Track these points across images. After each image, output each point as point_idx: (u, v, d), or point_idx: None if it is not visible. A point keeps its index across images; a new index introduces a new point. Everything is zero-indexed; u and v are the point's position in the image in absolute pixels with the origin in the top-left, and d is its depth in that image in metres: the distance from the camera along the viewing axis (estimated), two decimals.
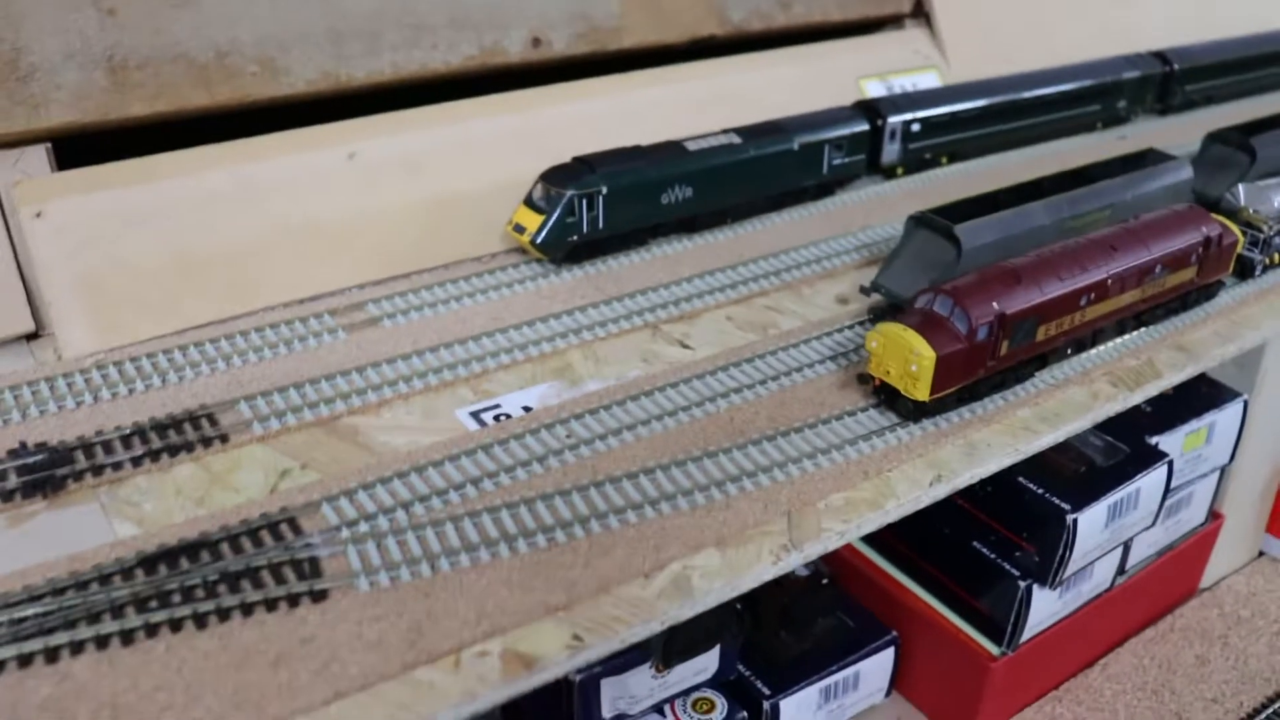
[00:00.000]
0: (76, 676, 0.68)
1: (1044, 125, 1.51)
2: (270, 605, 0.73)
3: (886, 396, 0.94)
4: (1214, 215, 1.11)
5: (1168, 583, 1.35)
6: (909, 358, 0.89)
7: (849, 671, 1.17)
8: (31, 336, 1.02)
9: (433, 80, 1.20)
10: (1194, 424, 1.23)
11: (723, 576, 0.78)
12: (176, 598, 0.73)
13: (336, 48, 1.14)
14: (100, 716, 0.65)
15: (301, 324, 1.04)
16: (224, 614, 0.72)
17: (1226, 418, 1.26)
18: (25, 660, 0.68)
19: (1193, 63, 1.66)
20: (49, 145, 1.05)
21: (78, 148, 1.06)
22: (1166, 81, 1.64)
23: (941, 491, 0.89)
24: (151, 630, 0.71)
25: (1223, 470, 1.32)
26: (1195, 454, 1.25)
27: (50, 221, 1.01)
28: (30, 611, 0.71)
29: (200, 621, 0.72)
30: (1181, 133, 1.60)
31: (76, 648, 0.69)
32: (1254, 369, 1.27)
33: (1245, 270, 1.19)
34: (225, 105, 1.10)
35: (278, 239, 1.09)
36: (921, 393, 0.90)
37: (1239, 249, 1.14)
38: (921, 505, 0.88)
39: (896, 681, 1.23)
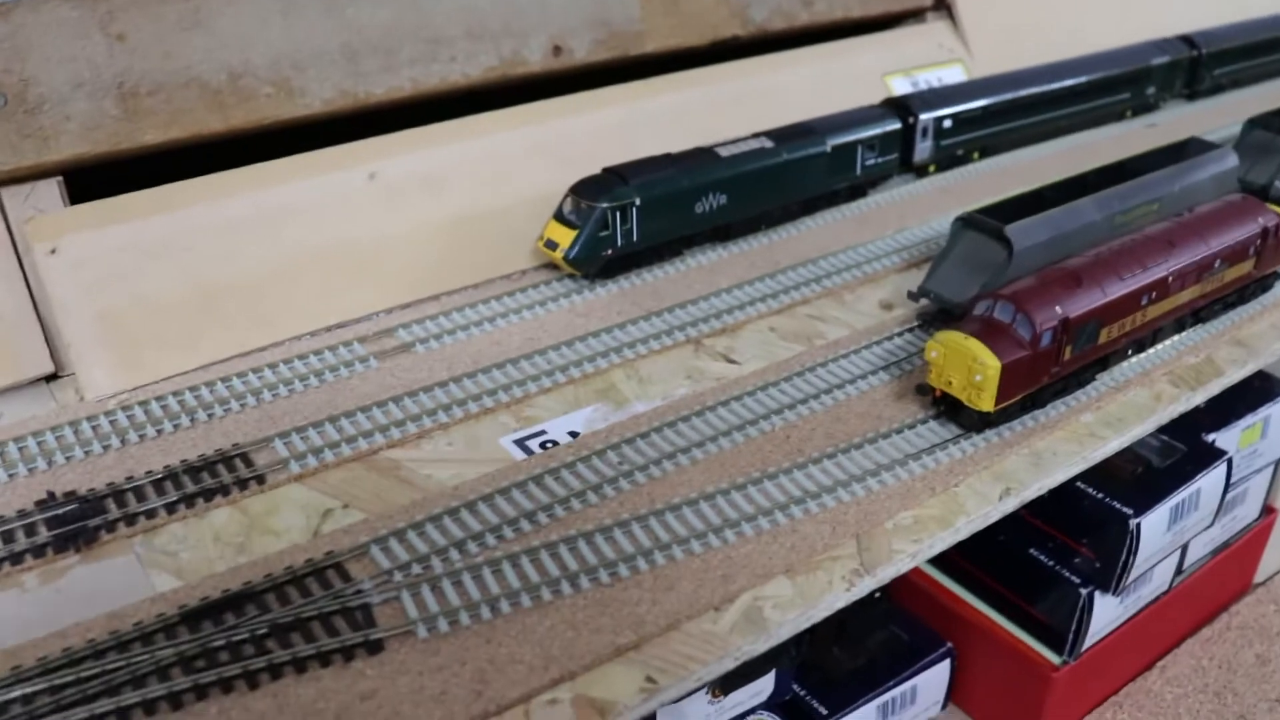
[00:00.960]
0: None
1: (1074, 116, 1.47)
2: (324, 659, 0.69)
3: (948, 407, 0.90)
4: (1269, 205, 1.08)
5: (1223, 580, 1.32)
6: (973, 367, 0.85)
7: (905, 686, 1.13)
8: (51, 378, 0.98)
9: (453, 94, 1.16)
10: (1249, 419, 1.19)
11: (796, 606, 0.74)
12: (225, 655, 0.70)
13: (353, 65, 1.10)
14: None
15: (331, 353, 1.00)
16: (276, 671, 0.69)
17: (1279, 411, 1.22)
18: None
19: (1220, 46, 1.62)
20: (60, 179, 1.01)
21: (90, 180, 1.02)
22: (1194, 66, 1.61)
23: (1011, 505, 0.85)
24: (201, 692, 0.67)
25: (1277, 464, 1.29)
26: (1251, 449, 1.21)
27: (65, 258, 0.97)
28: (71, 677, 0.67)
29: (252, 680, 0.68)
30: (1212, 118, 1.57)
31: (123, 715, 0.65)
32: None
33: None
34: (241, 129, 1.06)
35: (301, 265, 1.05)
36: (987, 403, 0.86)
37: None
38: (991, 520, 0.84)
39: (953, 694, 1.19)
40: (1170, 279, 0.95)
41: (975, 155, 1.38)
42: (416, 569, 0.76)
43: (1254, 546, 1.33)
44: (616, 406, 0.93)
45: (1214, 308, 1.05)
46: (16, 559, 0.77)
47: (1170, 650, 1.28)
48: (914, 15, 1.50)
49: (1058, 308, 0.88)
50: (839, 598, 0.76)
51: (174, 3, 1.02)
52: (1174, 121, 1.56)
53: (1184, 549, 1.18)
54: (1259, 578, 1.38)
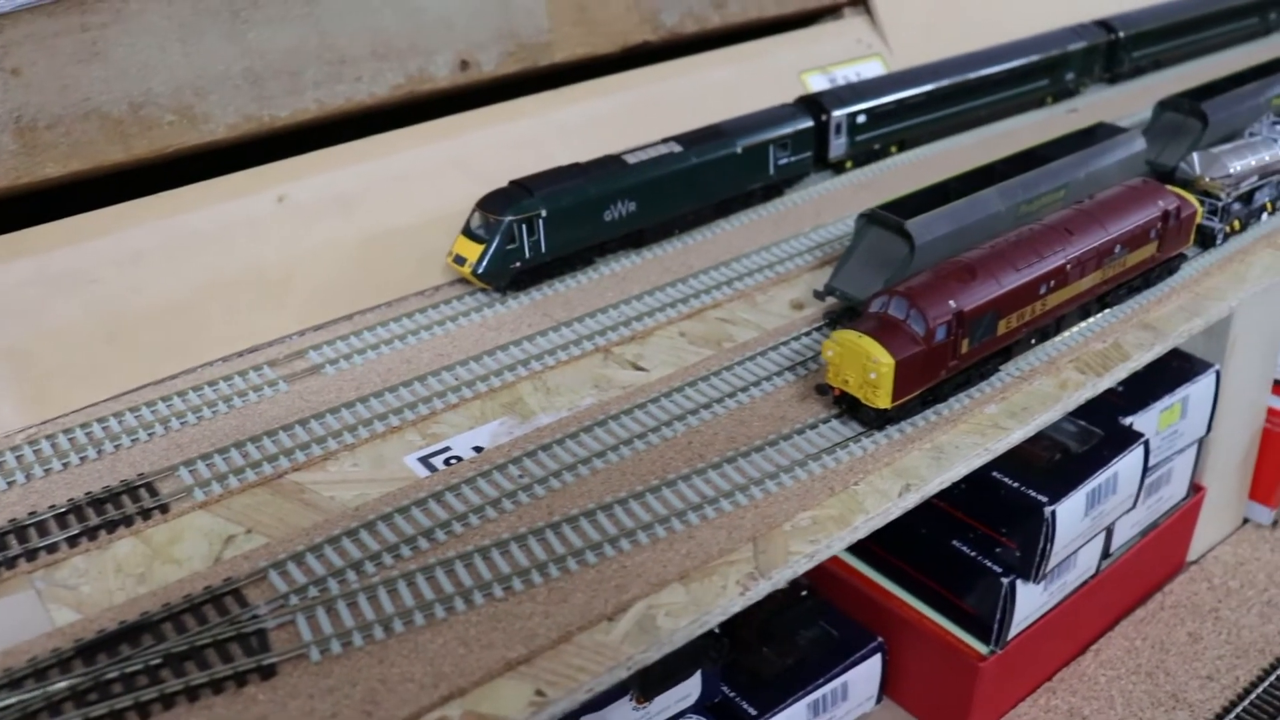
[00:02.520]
0: None
1: (993, 105, 1.48)
2: (217, 687, 0.70)
3: (848, 406, 0.91)
4: (1170, 187, 1.09)
5: (1154, 560, 1.33)
6: (867, 365, 0.86)
7: (836, 683, 1.14)
8: None
9: (360, 113, 1.16)
10: (1167, 400, 1.20)
11: (689, 613, 0.75)
12: (118, 687, 0.70)
13: (256, 89, 1.10)
14: None
15: (241, 378, 1.00)
16: (169, 701, 0.69)
17: (1200, 390, 1.23)
18: None
19: (1137, 28, 1.64)
20: None
21: None
22: (1113, 49, 1.62)
23: (911, 501, 0.86)
24: None
25: (1201, 442, 1.30)
26: (1171, 430, 1.22)
27: None
28: None
29: (144, 711, 0.68)
30: (1132, 101, 1.58)
31: None
32: (1223, 338, 1.25)
33: (1206, 240, 1.17)
34: (144, 158, 1.06)
35: (211, 292, 1.05)
36: (883, 400, 0.87)
37: (1198, 219, 1.11)
38: (892, 517, 0.85)
39: (887, 687, 1.20)
40: (1068, 267, 0.96)
41: (893, 149, 1.39)
42: (313, 592, 0.76)
43: (1184, 525, 1.34)
44: (522, 419, 0.94)
45: (1119, 292, 1.06)
46: None
47: (1104, 633, 1.29)
48: (831, 12, 1.50)
49: (951, 301, 0.88)
50: (734, 602, 0.76)
51: (69, 35, 1.02)
52: (1094, 106, 1.57)
53: (1109, 532, 1.19)
54: (1191, 556, 1.40)
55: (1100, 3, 1.67)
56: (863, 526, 0.83)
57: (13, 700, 0.69)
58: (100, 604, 0.77)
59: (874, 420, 0.89)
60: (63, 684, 0.70)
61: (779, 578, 0.78)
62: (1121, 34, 1.61)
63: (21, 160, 1.01)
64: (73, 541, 0.82)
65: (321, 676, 0.70)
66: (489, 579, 0.76)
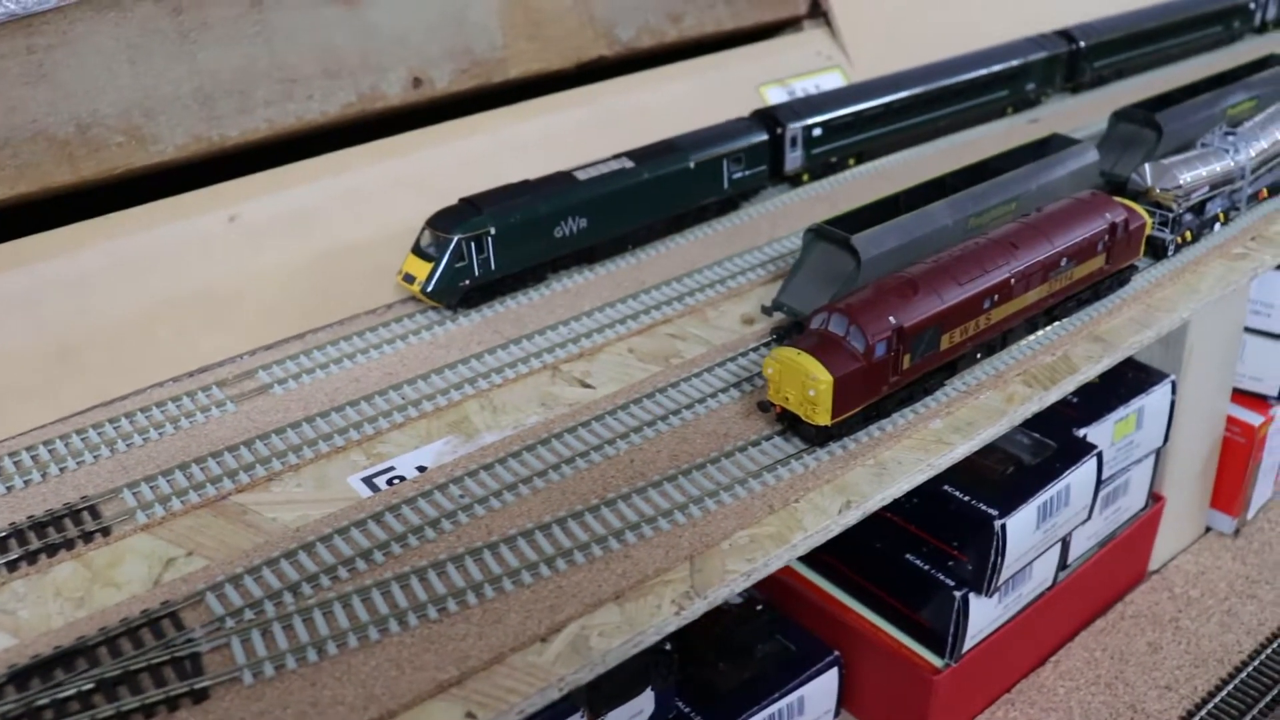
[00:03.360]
0: None
1: (953, 116, 1.49)
2: (149, 711, 0.70)
3: (789, 423, 0.91)
4: (1119, 199, 1.09)
5: (1114, 571, 1.33)
6: (806, 382, 0.86)
7: (793, 697, 1.13)
8: None
9: (312, 132, 1.16)
10: (1122, 411, 1.21)
11: (622, 633, 0.75)
12: (49, 714, 0.70)
13: (206, 109, 1.10)
14: None
15: (190, 399, 1.00)
16: None
17: (1155, 400, 1.24)
18: None
19: (1099, 38, 1.64)
20: None
21: None
22: (1074, 59, 1.63)
23: (852, 518, 0.86)
24: None
25: (1158, 453, 1.30)
26: (1127, 441, 1.23)
27: None
28: None
29: None
30: (1094, 110, 1.59)
31: None
32: (1179, 348, 1.25)
33: (1158, 252, 1.17)
34: (93, 179, 1.07)
35: (160, 313, 1.05)
36: (822, 417, 0.87)
37: (1148, 231, 1.12)
38: (832, 535, 0.85)
39: (844, 701, 1.20)
40: (1013, 281, 0.97)
41: (851, 161, 1.40)
42: (249, 614, 0.76)
43: (1144, 535, 1.35)
44: (467, 438, 0.94)
45: (1068, 305, 1.06)
46: None
47: (1064, 644, 1.29)
48: (790, 24, 1.51)
49: (891, 317, 0.89)
50: (668, 622, 0.76)
51: (15, 56, 1.02)
52: (1056, 116, 1.58)
53: (1065, 543, 1.19)
54: (1153, 565, 1.40)
55: (1063, 13, 1.67)
56: (801, 544, 0.83)
57: None
58: (38, 629, 0.77)
59: (815, 437, 0.89)
60: None
61: (715, 597, 0.78)
62: (1083, 44, 1.62)
63: None
64: (12, 566, 0.82)
65: (253, 700, 0.70)
66: (424, 600, 0.76)
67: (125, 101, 1.07)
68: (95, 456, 0.94)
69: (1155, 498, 1.34)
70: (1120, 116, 1.32)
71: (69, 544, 0.84)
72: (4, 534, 0.85)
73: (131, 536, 0.85)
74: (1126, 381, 1.24)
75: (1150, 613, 1.34)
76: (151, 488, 0.89)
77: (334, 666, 0.72)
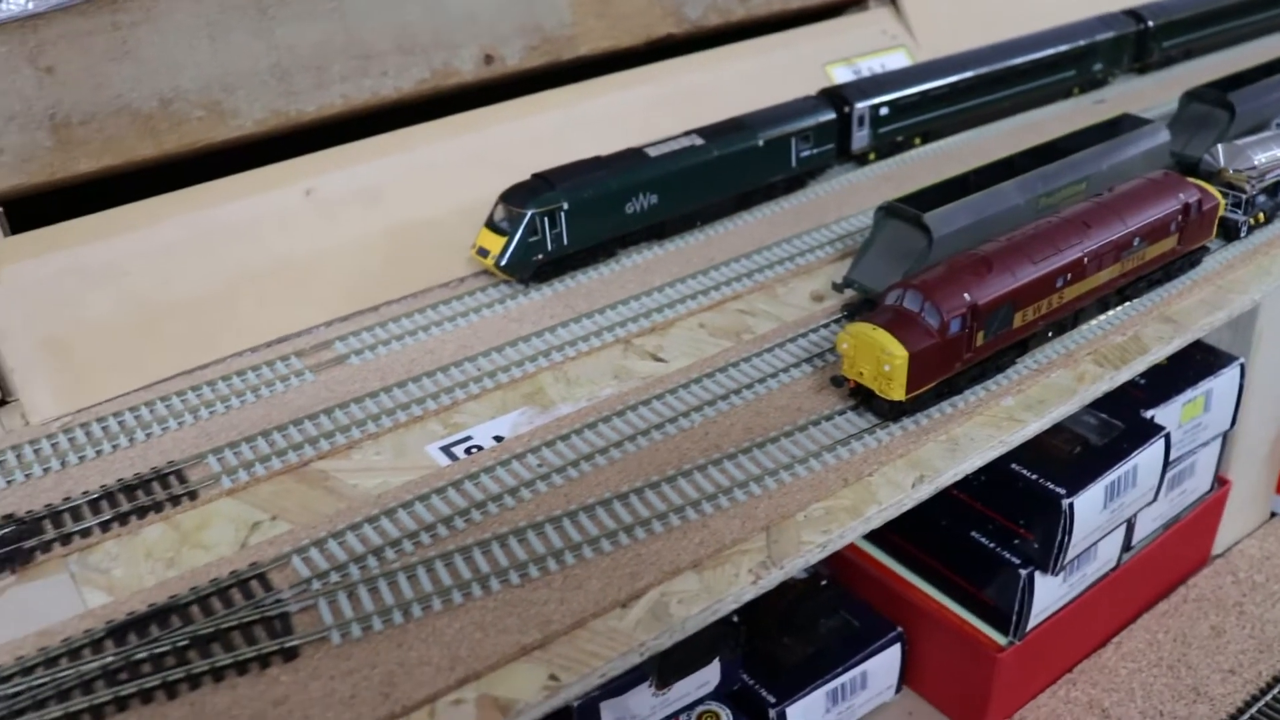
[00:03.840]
0: None
1: (1018, 96, 1.48)
2: (241, 668, 0.72)
3: (863, 398, 0.92)
4: (1192, 180, 1.09)
5: (1178, 554, 1.33)
6: (881, 358, 0.87)
7: (855, 672, 1.15)
8: None
9: (386, 108, 1.18)
10: (1190, 393, 1.20)
11: (701, 600, 0.76)
12: (146, 667, 0.72)
13: (284, 84, 1.12)
14: None
15: (269, 368, 1.02)
16: (195, 681, 0.71)
17: (1224, 383, 1.23)
18: None
19: (1167, 18, 1.63)
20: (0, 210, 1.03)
21: (28, 210, 1.05)
22: (1142, 39, 1.61)
23: (925, 492, 0.87)
24: (122, 704, 0.70)
25: (1225, 436, 1.29)
26: (1194, 423, 1.22)
27: (7, 287, 1.00)
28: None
29: (171, 691, 0.70)
30: (1162, 91, 1.57)
31: None
32: (1249, 331, 1.25)
33: (1230, 233, 1.17)
34: (174, 153, 1.09)
35: (239, 284, 1.07)
36: (897, 393, 0.87)
37: (1221, 212, 1.11)
38: (905, 509, 0.86)
39: (906, 677, 1.21)
40: (1086, 260, 0.97)
41: (917, 141, 1.39)
42: (335, 577, 0.78)
43: (1208, 518, 1.34)
44: (542, 409, 0.95)
45: (1139, 285, 1.06)
46: None
47: (1126, 625, 1.29)
48: (856, 3, 1.51)
49: (966, 294, 0.89)
50: (745, 590, 0.78)
51: (101, 34, 1.04)
52: (1122, 96, 1.57)
53: (1130, 525, 1.19)
54: (1216, 549, 1.39)
55: None
56: (875, 517, 0.84)
57: (47, 678, 0.71)
58: (131, 587, 0.79)
59: (888, 412, 0.90)
60: (94, 664, 0.72)
61: (791, 567, 0.79)
62: (1151, 23, 1.61)
63: (56, 156, 1.04)
64: (105, 527, 0.85)
65: (342, 659, 0.72)
66: (506, 566, 0.78)
67: (205, 77, 1.09)
68: (179, 423, 0.96)
69: (1221, 481, 1.33)
70: (1192, 96, 1.31)
71: (158, 506, 0.87)
72: (96, 496, 0.87)
73: (217, 501, 0.87)
74: (1195, 364, 1.23)
75: (1214, 596, 1.34)
76: (235, 453, 0.91)
77: (419, 629, 0.74)
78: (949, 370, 0.90)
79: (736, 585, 0.77)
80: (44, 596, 0.79)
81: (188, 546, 0.83)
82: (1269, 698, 1.20)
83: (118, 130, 1.06)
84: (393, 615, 0.75)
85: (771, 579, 0.79)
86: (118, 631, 0.75)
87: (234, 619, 0.75)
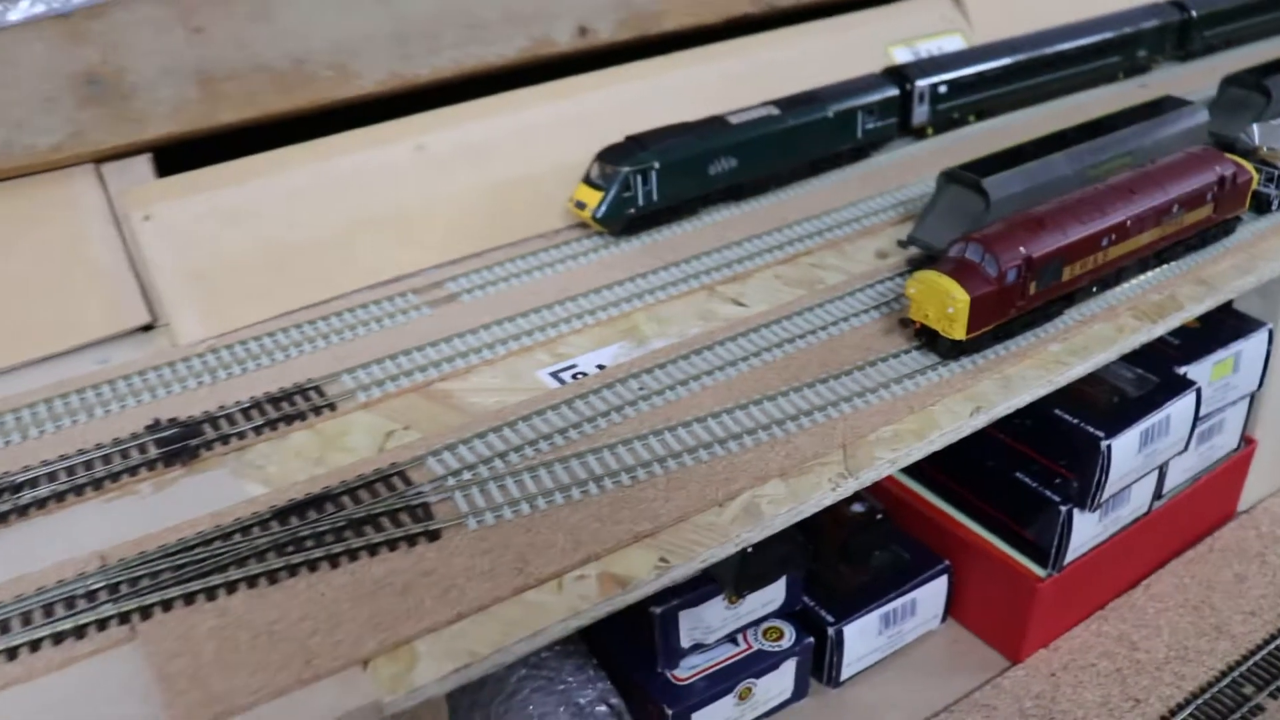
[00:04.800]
0: (234, 610, 0.78)
1: (1066, 79, 1.58)
2: (392, 545, 0.83)
3: (927, 339, 1.02)
4: (1228, 155, 1.19)
5: (1205, 506, 1.43)
6: (945, 300, 0.97)
7: (906, 599, 1.26)
8: (147, 328, 1.12)
9: (490, 73, 1.29)
10: (1221, 354, 1.30)
11: (788, 503, 0.87)
12: (310, 543, 0.84)
13: (401, 49, 1.23)
14: (259, 642, 0.75)
15: (389, 303, 1.14)
16: (353, 554, 0.83)
17: (1253, 346, 1.33)
18: (189, 599, 0.79)
19: (1210, 8, 1.72)
20: (151, 155, 1.15)
21: (175, 155, 1.16)
22: (1185, 28, 1.71)
23: (981, 421, 0.97)
24: (293, 570, 0.81)
25: (1253, 397, 1.39)
26: (1224, 382, 1.32)
27: (157, 224, 1.11)
28: (186, 559, 0.82)
29: (334, 561, 0.82)
30: (1203, 77, 1.66)
31: (231, 587, 0.80)
32: (1278, 299, 1.35)
33: (1262, 206, 1.27)
34: (304, 108, 1.20)
35: (358, 228, 1.19)
36: (959, 332, 0.98)
37: (1254, 185, 1.21)
38: (962, 435, 0.97)
39: (951, 608, 1.32)
40: (1129, 222, 1.07)
41: (971, 118, 1.50)
42: (466, 475, 0.90)
43: (1235, 475, 1.44)
44: (638, 344, 1.07)
45: (1176, 249, 1.16)
46: (133, 471, 0.92)
47: (1155, 570, 1.40)
48: None
49: (1022, 248, 1.00)
50: (826, 496, 0.89)
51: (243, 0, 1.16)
52: (1165, 82, 1.66)
53: (1161, 473, 1.29)
54: (1242, 506, 1.50)
55: None
56: (937, 440, 0.95)
57: (226, 549, 0.83)
58: (285, 480, 0.91)
59: (950, 351, 1.01)
60: (265, 538, 0.84)
61: (865, 478, 0.91)
62: (1194, 13, 1.70)
63: (202, 108, 1.15)
64: (257, 431, 0.96)
65: (479, 541, 0.84)
66: (617, 469, 0.89)
67: (333, 40, 1.20)
68: (313, 347, 1.08)
69: (1247, 440, 1.43)
70: (1230, 81, 1.41)
71: (301, 416, 0.98)
72: (246, 405, 0.99)
73: (354, 413, 0.99)
74: (1226, 327, 1.33)
75: (1238, 547, 1.44)
76: (366, 373, 1.03)
77: (545, 518, 0.86)
78: (1005, 315, 1.01)
79: (818, 491, 0.88)
80: (210, 486, 0.91)
81: (332, 449, 0.95)
82: None
83: (256, 86, 1.17)
84: (521, 506, 0.86)
85: (848, 487, 0.90)
86: (281, 514, 0.87)
87: (381, 506, 0.87)
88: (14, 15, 1.05)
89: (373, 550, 0.83)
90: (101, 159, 1.13)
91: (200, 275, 1.12)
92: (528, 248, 1.23)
